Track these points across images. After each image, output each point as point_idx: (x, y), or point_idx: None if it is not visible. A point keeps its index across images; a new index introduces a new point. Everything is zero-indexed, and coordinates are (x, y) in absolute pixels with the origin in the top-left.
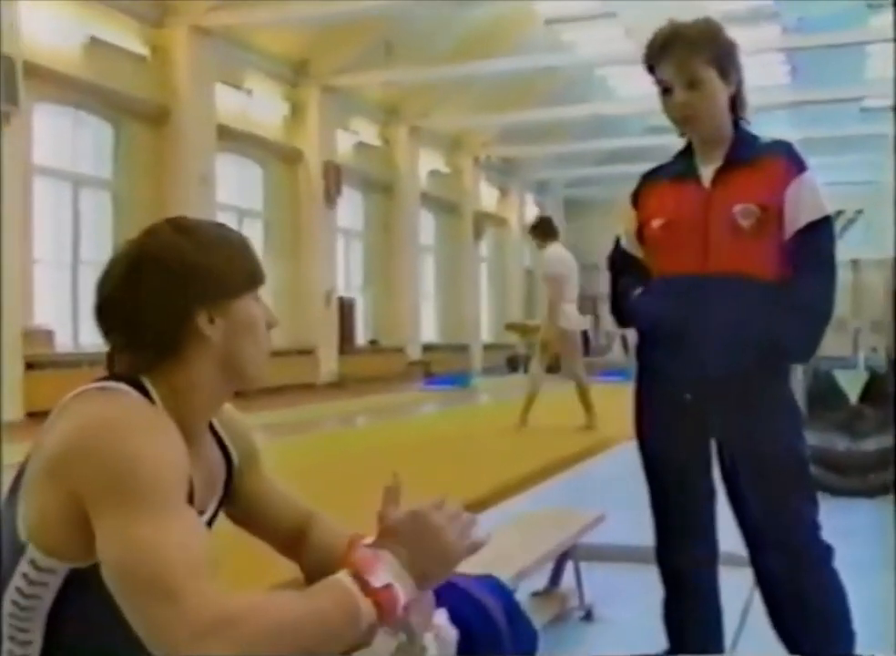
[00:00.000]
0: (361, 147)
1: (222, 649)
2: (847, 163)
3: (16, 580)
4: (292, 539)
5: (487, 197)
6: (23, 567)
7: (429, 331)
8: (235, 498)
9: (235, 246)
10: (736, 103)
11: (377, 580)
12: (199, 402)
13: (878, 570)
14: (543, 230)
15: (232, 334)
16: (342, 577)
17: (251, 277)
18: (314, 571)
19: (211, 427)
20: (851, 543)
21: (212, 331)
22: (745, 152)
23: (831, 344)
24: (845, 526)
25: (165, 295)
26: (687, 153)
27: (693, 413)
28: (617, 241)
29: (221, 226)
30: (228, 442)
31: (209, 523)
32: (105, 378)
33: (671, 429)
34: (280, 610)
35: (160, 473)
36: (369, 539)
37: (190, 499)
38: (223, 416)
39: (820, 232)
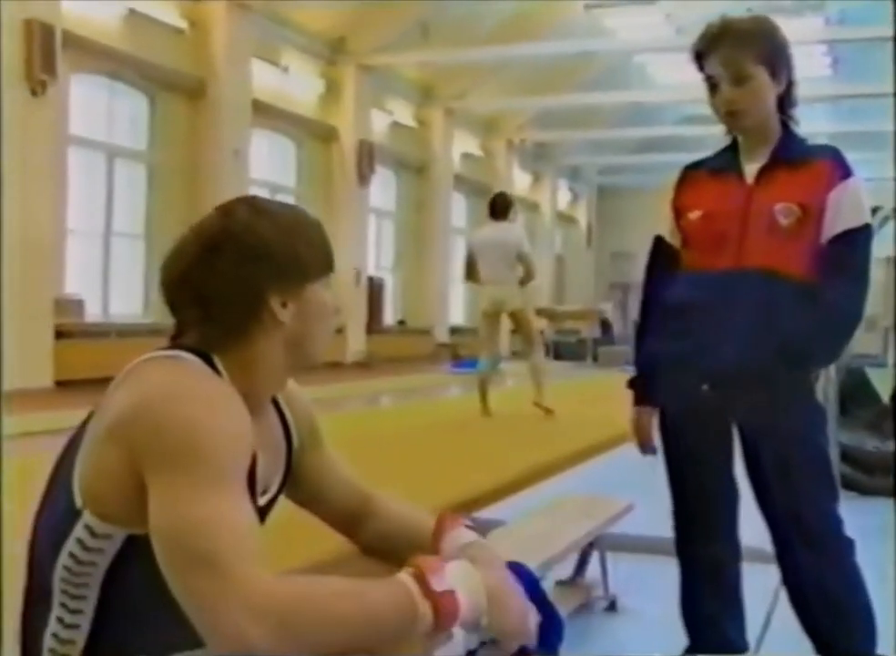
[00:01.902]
0: (395, 127)
1: (267, 635)
2: (885, 159)
3: (71, 546)
4: (351, 519)
5: (520, 181)
6: (78, 532)
7: (457, 313)
8: (296, 477)
9: (311, 230)
10: (784, 102)
11: (439, 584)
12: (264, 378)
13: None
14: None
15: (303, 318)
16: (404, 576)
17: (325, 262)
18: (374, 552)
19: (275, 404)
20: (874, 542)
21: (284, 314)
22: (791, 152)
23: (864, 343)
24: (871, 525)
25: (240, 276)
26: (731, 149)
27: (713, 407)
28: (658, 238)
29: (296, 209)
30: (290, 419)
31: (273, 501)
32: (172, 347)
33: (691, 421)
34: (331, 602)
35: (221, 445)
36: (465, 520)
37: (253, 474)
38: (286, 393)
39: (858, 240)
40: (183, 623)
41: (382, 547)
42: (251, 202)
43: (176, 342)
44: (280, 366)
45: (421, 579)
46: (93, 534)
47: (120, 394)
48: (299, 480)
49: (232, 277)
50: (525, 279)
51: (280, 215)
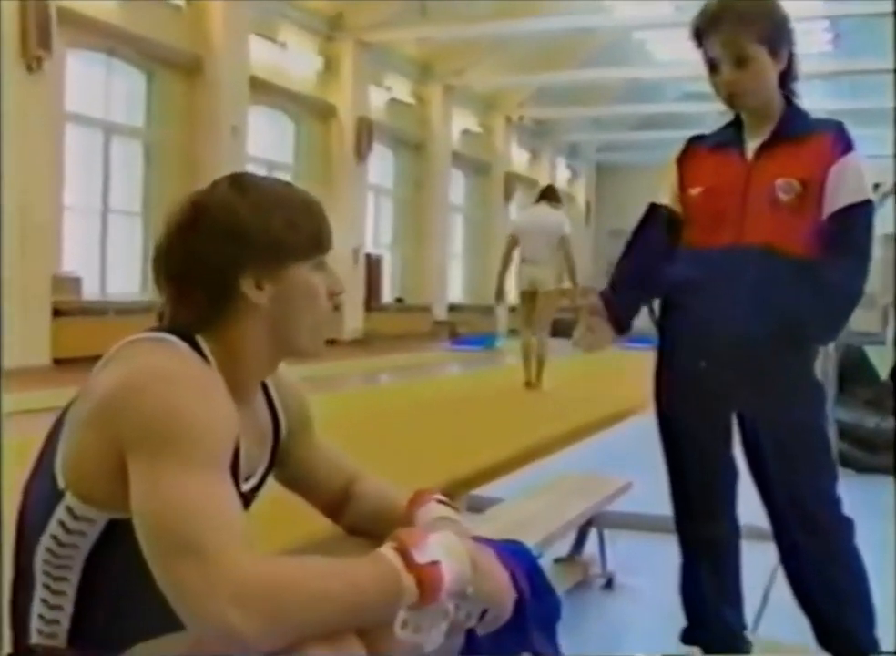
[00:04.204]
0: (393, 103)
1: (252, 617)
2: (887, 135)
3: (52, 528)
4: (335, 501)
5: (518, 158)
6: (59, 514)
7: (455, 291)
8: (285, 462)
9: (297, 209)
10: (786, 78)
11: (422, 556)
12: (249, 364)
13: None
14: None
15: (283, 302)
16: (386, 550)
17: (312, 243)
18: (357, 532)
19: (264, 388)
20: (874, 520)
21: (259, 296)
22: (793, 128)
23: (862, 320)
24: (870, 502)
25: (212, 254)
26: (735, 124)
27: (711, 384)
28: (652, 205)
29: (288, 187)
30: (278, 405)
31: (257, 488)
32: (158, 329)
33: (688, 399)
34: (316, 583)
35: (204, 429)
36: (437, 495)
37: (236, 461)
38: (276, 379)
39: (858, 216)
40: (164, 608)
41: (364, 527)
42: (237, 179)
43: (162, 323)
44: (264, 351)
45: (404, 553)
46: (74, 516)
47: (104, 376)
48: (287, 464)
49: (204, 254)
50: (566, 262)
51: (264, 193)
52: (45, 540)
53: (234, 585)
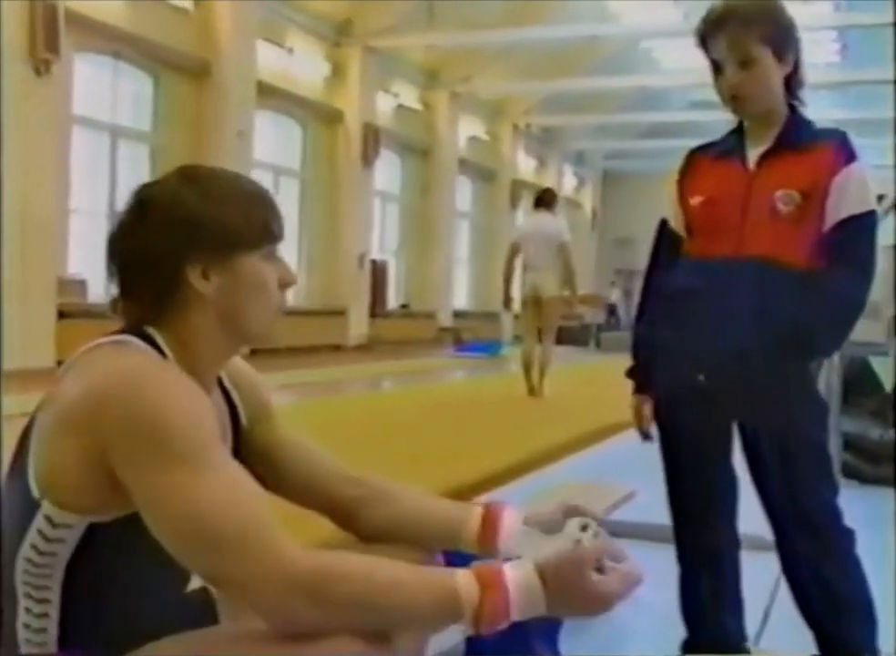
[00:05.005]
0: (400, 110)
1: (309, 603)
2: (891, 146)
3: (31, 538)
4: (346, 505)
5: (525, 166)
6: (38, 523)
7: (461, 297)
8: (247, 453)
9: (246, 199)
10: (791, 84)
11: (492, 607)
12: (204, 353)
13: None
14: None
15: (232, 292)
16: (458, 581)
17: (262, 233)
18: (378, 540)
19: (220, 382)
20: (876, 532)
21: (205, 286)
22: (796, 137)
23: (867, 331)
24: (873, 514)
25: (158, 244)
26: (737, 132)
27: (709, 397)
28: (663, 222)
29: (238, 178)
30: (235, 397)
31: None
32: (115, 332)
33: (687, 411)
34: (370, 585)
35: (194, 425)
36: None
37: None
38: (231, 369)
39: (861, 227)
40: (146, 608)
41: (393, 533)
42: (185, 170)
43: (114, 312)
44: (216, 340)
45: (476, 596)
46: (53, 524)
47: (70, 383)
48: (251, 455)
49: (150, 244)
50: (565, 270)
51: (210, 182)
52: (24, 551)
53: (287, 572)
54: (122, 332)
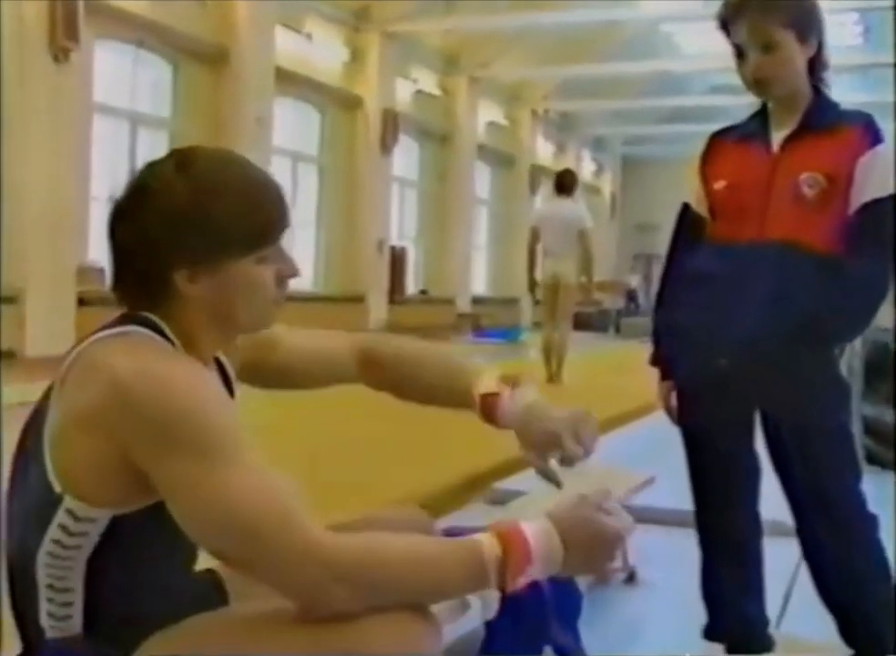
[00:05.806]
0: (419, 95)
1: (348, 588)
2: None
3: (53, 533)
4: (357, 374)
5: (544, 151)
6: (60, 518)
7: (479, 283)
8: (270, 375)
9: (244, 195)
10: (815, 65)
11: (517, 571)
12: (199, 343)
13: None
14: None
15: (221, 293)
16: (485, 544)
17: (256, 236)
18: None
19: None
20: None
21: (192, 290)
22: (821, 119)
23: (890, 315)
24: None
25: (146, 241)
26: (761, 115)
27: (730, 382)
28: (685, 206)
29: (242, 168)
30: (230, 371)
31: None
32: (118, 320)
33: (707, 397)
34: (404, 565)
35: (215, 414)
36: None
37: None
38: None
39: (886, 210)
40: (167, 595)
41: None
42: (181, 156)
43: (114, 291)
44: (210, 333)
45: (499, 554)
46: (76, 518)
47: (85, 379)
48: (280, 378)
49: (137, 243)
50: (584, 256)
51: (207, 174)
52: (45, 546)
53: (325, 561)
54: (125, 318)
